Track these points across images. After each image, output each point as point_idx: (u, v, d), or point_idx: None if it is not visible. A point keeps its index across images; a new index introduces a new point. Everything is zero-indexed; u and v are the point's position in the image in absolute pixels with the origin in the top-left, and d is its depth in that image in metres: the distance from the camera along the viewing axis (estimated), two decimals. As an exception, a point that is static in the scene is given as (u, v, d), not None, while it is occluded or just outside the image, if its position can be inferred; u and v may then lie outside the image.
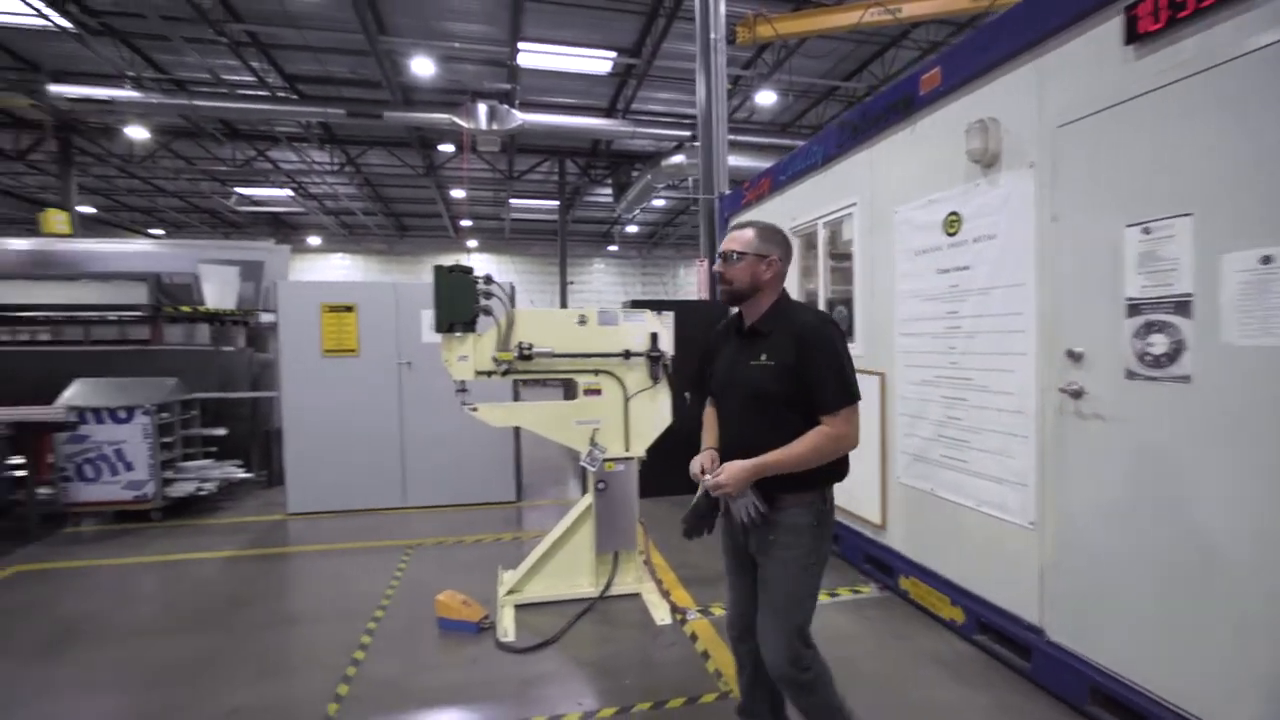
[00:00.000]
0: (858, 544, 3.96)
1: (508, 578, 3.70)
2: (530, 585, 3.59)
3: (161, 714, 2.67)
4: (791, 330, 1.80)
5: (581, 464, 3.56)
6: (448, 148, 14.21)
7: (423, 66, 10.26)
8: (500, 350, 3.40)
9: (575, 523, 3.61)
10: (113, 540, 4.87)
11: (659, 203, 18.59)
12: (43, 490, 5.04)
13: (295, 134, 13.39)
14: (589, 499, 3.59)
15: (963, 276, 3.04)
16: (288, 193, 17.11)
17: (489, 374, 3.44)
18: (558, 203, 17.58)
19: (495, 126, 11.06)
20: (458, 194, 17.71)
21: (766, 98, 11.59)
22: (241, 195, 17.55)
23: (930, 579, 3.31)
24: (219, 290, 6.09)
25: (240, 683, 2.90)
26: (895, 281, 3.57)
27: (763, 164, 9.89)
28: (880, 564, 3.74)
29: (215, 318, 6.24)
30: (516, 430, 5.69)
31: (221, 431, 5.83)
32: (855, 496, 3.91)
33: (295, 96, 11.33)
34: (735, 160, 8.81)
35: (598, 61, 10.34)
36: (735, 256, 1.90)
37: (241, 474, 5.85)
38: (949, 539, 3.19)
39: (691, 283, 26.07)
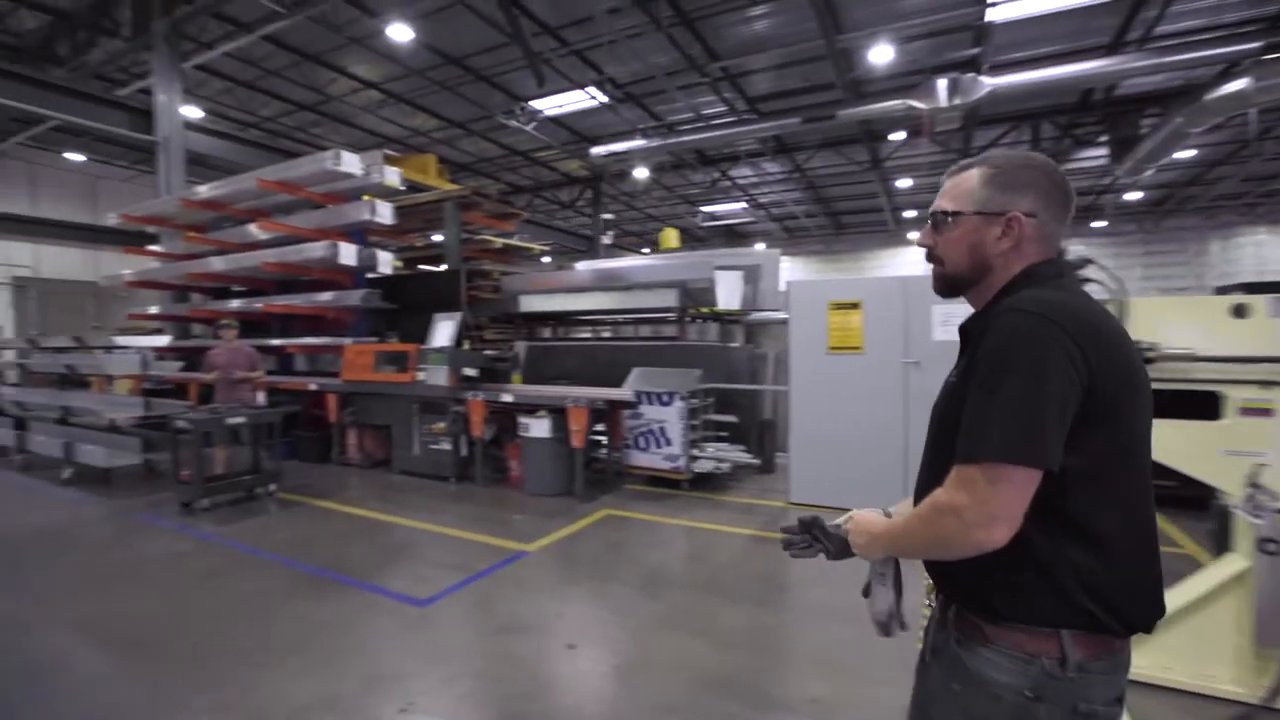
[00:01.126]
0: None
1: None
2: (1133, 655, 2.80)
3: (748, 675, 2.95)
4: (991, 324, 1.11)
5: (1239, 512, 2.58)
6: (897, 136, 13.56)
7: (881, 54, 9.95)
8: (1103, 352, 2.71)
9: (1213, 591, 2.65)
10: (656, 500, 5.97)
11: (1182, 155, 13.98)
12: (615, 454, 6.53)
13: (753, 150, 14.78)
14: (1240, 561, 2.59)
15: None
16: (742, 205, 19.21)
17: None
18: (1026, 176, 14.96)
19: (957, 100, 9.97)
20: (904, 183, 16.86)
21: None
22: (704, 213, 20.48)
23: None
24: (728, 292, 6.95)
25: (807, 672, 3.00)
26: None
27: None
28: None
29: (724, 317, 7.15)
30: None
31: (733, 419, 6.59)
32: None
33: (755, 115, 12.40)
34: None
35: (1104, -16, 8.19)
36: (947, 219, 1.21)
37: (748, 459, 6.51)
38: None
39: (1232, 261, 19.21)
